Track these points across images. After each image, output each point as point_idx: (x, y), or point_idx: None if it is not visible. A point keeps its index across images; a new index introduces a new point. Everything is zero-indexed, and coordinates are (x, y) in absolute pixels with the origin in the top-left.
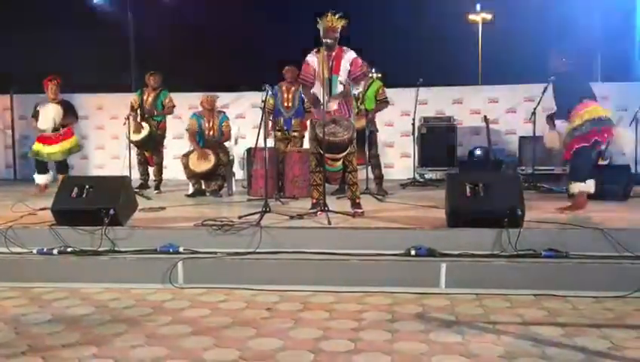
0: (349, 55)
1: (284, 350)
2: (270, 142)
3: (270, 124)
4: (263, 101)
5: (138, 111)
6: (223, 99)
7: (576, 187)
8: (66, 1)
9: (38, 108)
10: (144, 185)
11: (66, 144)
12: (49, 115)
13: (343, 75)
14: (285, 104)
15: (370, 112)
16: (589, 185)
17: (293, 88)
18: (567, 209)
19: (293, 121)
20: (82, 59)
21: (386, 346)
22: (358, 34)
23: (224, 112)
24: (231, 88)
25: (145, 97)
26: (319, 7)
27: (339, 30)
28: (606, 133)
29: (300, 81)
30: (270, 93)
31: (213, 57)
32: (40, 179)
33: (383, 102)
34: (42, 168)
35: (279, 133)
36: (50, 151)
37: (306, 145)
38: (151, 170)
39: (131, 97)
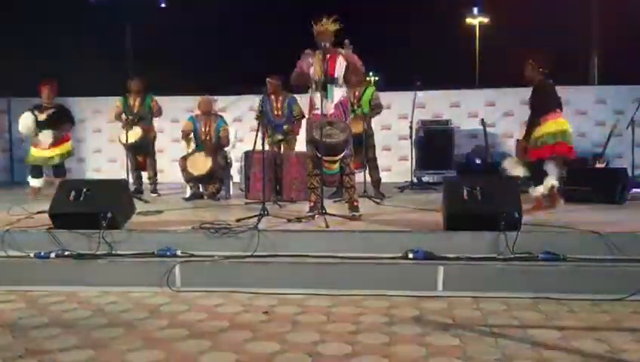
0: (343, 54)
1: (281, 353)
2: (266, 146)
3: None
4: (260, 104)
5: (122, 116)
6: (221, 102)
7: (538, 190)
8: (64, 4)
9: (35, 113)
10: (138, 190)
11: (57, 150)
12: (46, 140)
13: (338, 78)
14: (275, 112)
15: (367, 116)
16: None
17: (280, 97)
18: (531, 210)
19: (285, 127)
20: (80, 62)
21: (384, 349)
22: (356, 37)
23: (222, 116)
24: (228, 91)
25: (131, 103)
26: (317, 9)
27: (333, 34)
28: (559, 148)
29: (295, 72)
30: (264, 98)
31: (211, 60)
32: (34, 182)
33: (376, 106)
34: (37, 172)
35: (270, 139)
36: (47, 155)
37: (299, 146)
38: (144, 173)
39: (115, 103)
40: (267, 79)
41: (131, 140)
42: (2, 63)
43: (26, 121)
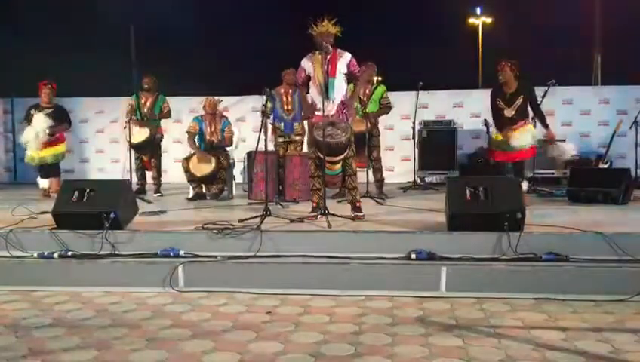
0: (345, 57)
1: (284, 354)
2: (270, 146)
3: (270, 127)
4: (263, 105)
5: (133, 116)
6: (224, 102)
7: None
8: (66, 3)
9: (32, 112)
10: (141, 190)
11: (51, 150)
12: (35, 128)
13: (339, 78)
14: (285, 107)
15: (371, 114)
16: None
17: (291, 91)
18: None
19: (295, 125)
20: (82, 62)
21: (387, 350)
22: (358, 37)
23: (226, 117)
24: (232, 92)
25: (143, 101)
26: (319, 10)
27: (334, 35)
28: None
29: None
30: (269, 96)
31: (214, 60)
32: (44, 183)
33: (385, 107)
34: (45, 172)
35: (280, 138)
36: (42, 155)
37: (306, 148)
38: (149, 174)
39: (128, 101)
40: (285, 70)
41: (138, 140)
42: (4, 63)
43: (36, 136)
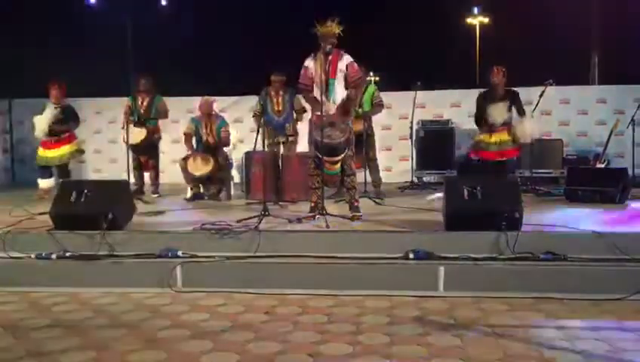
0: (345, 59)
1: (283, 353)
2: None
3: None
4: (261, 105)
5: (131, 116)
6: (221, 103)
7: None
8: (65, 5)
9: (45, 105)
10: (139, 191)
11: (64, 148)
12: (42, 122)
13: (339, 79)
14: (276, 108)
15: (368, 114)
16: None
17: (281, 92)
18: None
19: (286, 126)
20: (80, 63)
21: (385, 349)
22: (357, 37)
23: (222, 117)
24: (229, 92)
25: (139, 102)
26: (318, 11)
27: (336, 35)
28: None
29: (300, 86)
30: (263, 97)
31: (211, 61)
32: (43, 183)
33: (378, 105)
34: (45, 173)
35: (272, 139)
36: (50, 155)
37: (302, 148)
38: (147, 174)
39: (125, 102)
40: (272, 77)
41: (135, 141)
42: (3, 64)
43: (41, 124)
